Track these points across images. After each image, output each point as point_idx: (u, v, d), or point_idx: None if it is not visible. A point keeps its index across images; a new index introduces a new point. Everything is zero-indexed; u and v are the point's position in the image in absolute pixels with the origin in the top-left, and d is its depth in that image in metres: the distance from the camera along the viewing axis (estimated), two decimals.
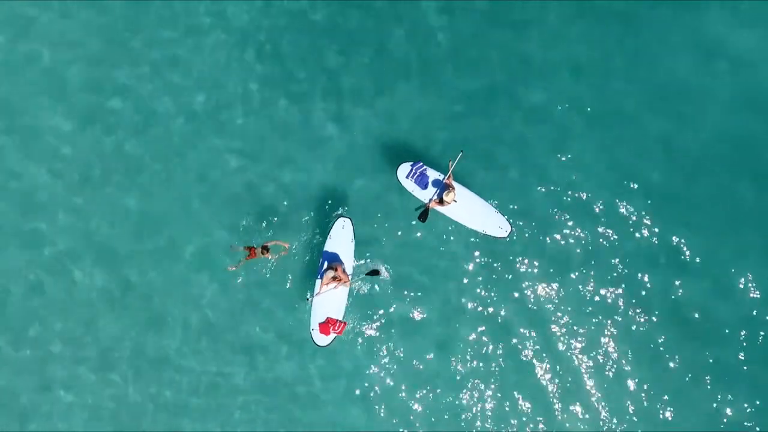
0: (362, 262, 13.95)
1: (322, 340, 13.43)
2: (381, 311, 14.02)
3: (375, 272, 13.40)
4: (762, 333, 13.61)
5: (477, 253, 14.11)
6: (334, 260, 13.53)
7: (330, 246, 13.56)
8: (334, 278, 13.20)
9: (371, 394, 13.90)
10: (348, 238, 13.57)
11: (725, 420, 13.55)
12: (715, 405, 13.58)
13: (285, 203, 14.21)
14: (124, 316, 14.08)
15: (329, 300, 13.41)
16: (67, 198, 14.29)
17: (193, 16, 14.72)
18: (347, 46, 14.44)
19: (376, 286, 13.97)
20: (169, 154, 14.46)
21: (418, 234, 14.15)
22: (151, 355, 14.00)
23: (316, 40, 14.50)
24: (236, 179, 14.34)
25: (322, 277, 13.31)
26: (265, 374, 13.97)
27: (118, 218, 14.30)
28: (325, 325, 13.31)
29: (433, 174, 13.73)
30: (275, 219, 14.13)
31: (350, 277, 13.51)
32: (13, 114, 14.47)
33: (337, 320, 13.34)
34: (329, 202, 14.19)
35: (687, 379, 13.68)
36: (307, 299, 13.57)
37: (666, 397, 13.69)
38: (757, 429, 13.46)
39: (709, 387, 13.61)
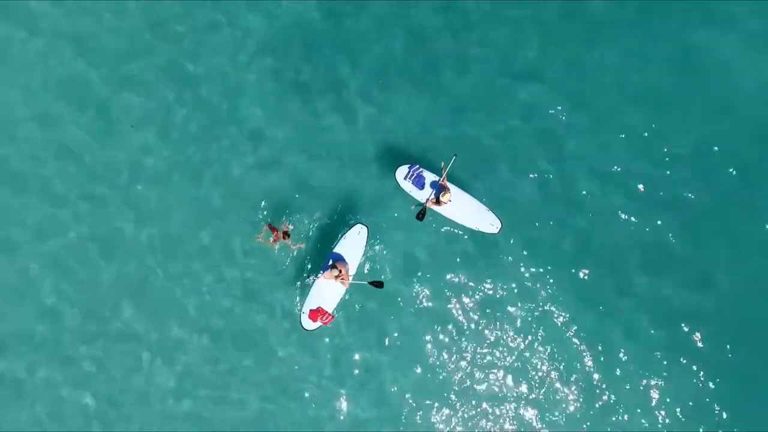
0: (367, 268, 14.21)
1: (308, 324, 13.61)
2: (378, 307, 14.20)
3: (378, 284, 13.56)
4: None
5: (471, 250, 14.26)
6: (340, 260, 13.80)
7: (341, 247, 13.83)
8: (336, 277, 13.46)
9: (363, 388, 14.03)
10: (360, 244, 13.85)
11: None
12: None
13: (282, 202, 14.54)
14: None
15: (327, 292, 13.69)
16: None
17: (206, 13, 15.05)
18: (346, 51, 15.00)
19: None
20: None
21: (416, 233, 14.38)
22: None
23: (315, 45, 15.05)
24: (236, 177, 14.73)
25: (324, 272, 13.58)
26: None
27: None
28: (315, 313, 13.47)
29: (429, 176, 14.08)
30: (271, 215, 14.49)
31: (351, 278, 13.71)
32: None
33: (327, 312, 13.51)
34: (328, 202, 14.52)
35: (691, 365, 13.64)
36: (309, 278, 14.04)
37: (676, 390, 13.69)
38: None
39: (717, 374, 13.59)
